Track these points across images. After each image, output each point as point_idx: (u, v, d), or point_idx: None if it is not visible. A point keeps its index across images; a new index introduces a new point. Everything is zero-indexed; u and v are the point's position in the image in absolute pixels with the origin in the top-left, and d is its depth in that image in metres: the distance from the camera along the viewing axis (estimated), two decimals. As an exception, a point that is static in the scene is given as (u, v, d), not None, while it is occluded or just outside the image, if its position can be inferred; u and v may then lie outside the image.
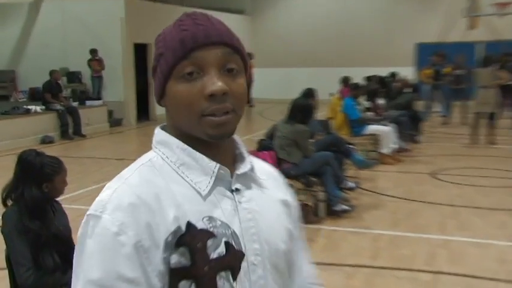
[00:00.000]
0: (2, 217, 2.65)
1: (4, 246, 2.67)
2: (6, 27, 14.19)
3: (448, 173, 7.68)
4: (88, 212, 0.98)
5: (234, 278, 0.99)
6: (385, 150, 8.21)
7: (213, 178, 1.02)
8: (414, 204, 6.17)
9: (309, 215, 5.48)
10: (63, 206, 2.89)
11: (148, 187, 0.98)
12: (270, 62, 18.74)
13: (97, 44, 12.91)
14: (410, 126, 9.52)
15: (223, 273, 0.98)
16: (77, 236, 1.00)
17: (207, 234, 0.97)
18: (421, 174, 7.65)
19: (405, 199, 6.35)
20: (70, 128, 11.26)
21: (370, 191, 6.68)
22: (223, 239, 0.99)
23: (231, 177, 1.05)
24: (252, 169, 1.09)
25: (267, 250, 1.05)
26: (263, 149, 5.53)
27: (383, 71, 11.85)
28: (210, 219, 0.99)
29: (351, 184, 5.97)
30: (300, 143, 5.53)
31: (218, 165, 1.03)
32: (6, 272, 2.72)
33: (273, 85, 18.42)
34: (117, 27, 12.97)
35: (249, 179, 1.09)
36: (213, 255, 0.97)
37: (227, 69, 1.01)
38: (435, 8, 17.05)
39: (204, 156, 1.03)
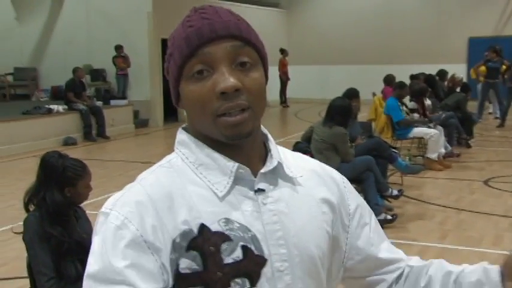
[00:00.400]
0: (24, 223, 2.71)
1: (25, 254, 2.73)
2: (28, 22, 14.56)
3: (503, 180, 7.52)
4: (101, 209, 1.03)
5: (253, 285, 0.98)
6: (432, 155, 8.09)
7: (232, 178, 1.02)
8: (465, 214, 6.06)
9: (348, 225, 5.43)
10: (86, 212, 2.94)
11: (161, 187, 1.01)
12: (306, 59, 18.71)
13: (122, 40, 13.11)
14: (460, 129, 9.37)
15: (238, 280, 0.96)
16: None
17: (222, 237, 0.97)
18: (473, 181, 7.51)
19: (455, 209, 6.24)
20: (93, 129, 11.46)
21: (416, 200, 6.59)
22: (240, 243, 0.98)
23: (255, 176, 1.04)
24: (280, 166, 1.08)
25: (296, 255, 1.03)
26: (299, 152, 5.51)
27: (431, 69, 11.68)
28: (227, 221, 0.99)
29: (394, 192, 5.91)
30: (339, 147, 5.50)
31: (237, 164, 1.03)
32: (27, 280, 2.79)
33: (309, 84, 18.39)
34: (143, 22, 13.14)
35: (278, 177, 1.07)
36: (228, 260, 0.96)
37: (239, 63, 1.00)
38: (490, -1, 16.75)
39: (221, 155, 1.03)
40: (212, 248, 0.96)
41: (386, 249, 1.23)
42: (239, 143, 1.03)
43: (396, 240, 5.22)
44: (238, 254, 0.97)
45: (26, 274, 2.80)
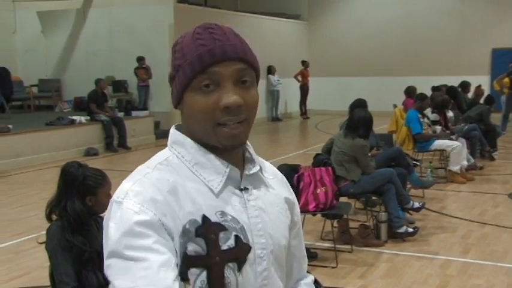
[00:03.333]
0: (46, 233, 2.75)
1: (48, 263, 2.76)
2: (53, 34, 14.82)
3: (527, 194, 7.39)
4: (112, 199, 1.15)
5: (239, 269, 1.15)
6: (454, 168, 8.00)
7: (225, 177, 1.19)
8: (488, 228, 5.97)
9: (369, 237, 5.39)
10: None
11: (166, 182, 1.14)
12: (327, 70, 18.68)
13: (144, 51, 13.25)
14: (484, 141, 9.26)
15: (230, 264, 1.14)
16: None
17: (220, 227, 1.14)
18: (496, 195, 7.40)
19: (478, 222, 6.15)
20: (115, 140, 11.57)
21: (438, 213, 6.51)
22: (233, 233, 1.15)
23: (240, 177, 1.22)
24: (260, 170, 1.27)
25: (271, 244, 1.23)
26: (319, 164, 5.49)
27: (453, 80, 11.57)
28: (222, 213, 1.16)
29: (416, 204, 5.85)
30: (360, 159, 5.46)
31: (230, 165, 1.20)
32: (49, 289, 2.81)
33: (330, 96, 18.34)
34: (165, 34, 13.28)
35: (257, 179, 1.26)
36: (224, 247, 1.13)
37: (241, 81, 1.16)
38: (513, 10, 16.59)
39: (216, 157, 1.19)
40: (213, 236, 1.12)
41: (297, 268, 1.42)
42: (231, 149, 1.19)
43: (417, 254, 5.16)
44: (231, 242, 1.14)
45: (48, 283, 2.83)
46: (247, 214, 1.19)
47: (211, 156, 1.19)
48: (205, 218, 1.13)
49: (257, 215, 1.21)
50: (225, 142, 1.16)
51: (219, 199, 1.17)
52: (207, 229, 1.12)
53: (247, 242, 1.17)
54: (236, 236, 1.15)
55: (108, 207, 1.15)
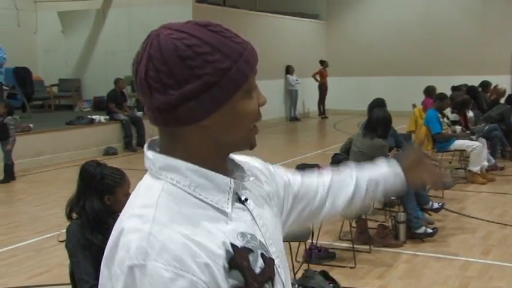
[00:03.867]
0: (66, 231, 2.78)
1: (68, 261, 2.79)
2: (73, 34, 14.96)
3: (549, 195, 7.29)
4: (128, 264, 0.95)
5: (273, 285, 1.07)
6: (474, 168, 7.91)
7: (231, 194, 1.06)
8: (509, 229, 5.90)
9: (387, 237, 5.36)
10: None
11: (181, 221, 0.98)
12: (345, 70, 18.60)
13: (163, 51, 13.28)
14: (504, 142, 9.14)
15: (266, 285, 1.05)
16: None
17: (247, 250, 1.03)
18: (517, 195, 7.30)
19: (498, 223, 6.08)
20: (133, 139, 11.63)
21: (457, 213, 6.45)
22: (259, 251, 1.05)
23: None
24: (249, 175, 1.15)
25: (279, 250, 1.14)
26: (337, 164, 5.47)
27: (473, 80, 11.45)
28: (242, 235, 1.04)
29: (435, 205, 5.80)
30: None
31: (232, 179, 1.07)
32: (70, 287, 2.84)
33: (348, 95, 18.25)
34: (184, 33, 13.31)
35: (245, 183, 1.14)
36: (257, 270, 1.03)
37: None
38: (534, 9, 16.36)
39: (214, 172, 1.05)
40: (245, 263, 1.01)
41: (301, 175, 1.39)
42: (226, 155, 1.11)
43: (436, 255, 5.12)
44: (261, 262, 1.04)
45: (68, 281, 2.86)
46: (258, 226, 1.09)
47: (211, 174, 1.04)
48: (233, 246, 1.01)
49: (263, 224, 1.11)
50: (254, 142, 1.10)
51: (233, 220, 1.05)
52: (238, 258, 1.00)
53: (270, 256, 1.08)
54: (262, 254, 1.05)
55: (123, 273, 0.95)
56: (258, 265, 1.03)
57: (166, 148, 1.07)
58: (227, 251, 0.99)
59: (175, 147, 1.06)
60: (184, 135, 1.05)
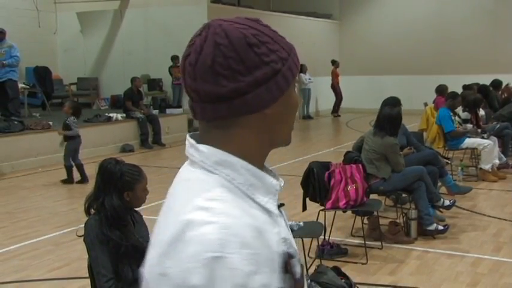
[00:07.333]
0: (85, 226, 2.80)
1: (87, 255, 2.82)
2: (91, 34, 15.07)
3: (561, 193, 7.21)
4: (206, 256, 0.88)
5: None
6: (486, 166, 7.85)
7: (276, 196, 1.03)
8: (520, 227, 5.84)
9: (399, 234, 5.33)
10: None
11: (249, 216, 0.94)
12: (358, 69, 18.53)
13: (179, 50, 13.24)
14: (515, 140, 9.05)
15: None
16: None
17: (290, 256, 1.00)
18: (528, 193, 7.24)
19: (509, 221, 6.03)
20: (150, 137, 11.69)
21: (469, 211, 6.40)
22: (297, 257, 1.02)
23: None
24: None
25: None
26: (349, 161, 5.45)
27: (485, 79, 11.35)
28: (284, 240, 1.00)
29: (446, 202, 5.76)
30: (390, 157, 5.41)
31: (278, 182, 1.04)
32: (88, 280, 2.87)
33: (361, 94, 18.19)
34: (199, 33, 13.34)
35: None
36: (297, 275, 1.01)
37: None
38: (546, 8, 16.17)
39: (265, 173, 1.02)
40: (290, 268, 0.99)
41: None
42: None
43: (448, 251, 5.09)
44: (299, 267, 1.02)
45: (87, 274, 2.88)
46: (290, 232, 1.06)
47: (261, 174, 1.01)
48: (286, 251, 0.98)
49: (290, 231, 1.08)
50: (291, 139, 1.10)
51: (276, 223, 1.01)
52: (287, 262, 0.97)
53: (301, 263, 1.05)
54: (299, 260, 1.03)
55: (195, 268, 0.88)
56: (298, 270, 1.01)
57: (215, 143, 1.00)
58: (282, 254, 0.97)
59: (226, 141, 1.00)
60: (237, 130, 1.00)
